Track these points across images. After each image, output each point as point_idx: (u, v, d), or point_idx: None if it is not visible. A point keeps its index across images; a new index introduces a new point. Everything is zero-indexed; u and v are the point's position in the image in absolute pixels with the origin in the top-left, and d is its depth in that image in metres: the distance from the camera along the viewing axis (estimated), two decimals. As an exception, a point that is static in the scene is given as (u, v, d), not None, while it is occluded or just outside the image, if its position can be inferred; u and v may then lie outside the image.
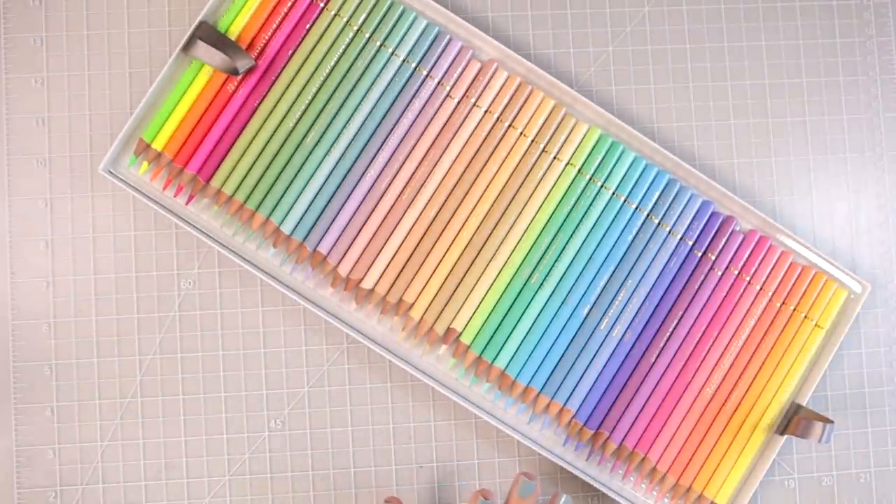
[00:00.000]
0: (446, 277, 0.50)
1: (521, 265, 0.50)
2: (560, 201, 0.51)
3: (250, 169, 0.50)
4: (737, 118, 0.54)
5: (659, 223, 0.51)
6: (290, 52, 0.50)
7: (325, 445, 0.51)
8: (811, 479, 0.53)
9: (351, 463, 0.51)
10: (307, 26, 0.50)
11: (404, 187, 0.50)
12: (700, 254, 0.51)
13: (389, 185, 0.50)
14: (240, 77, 0.50)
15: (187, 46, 0.49)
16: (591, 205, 0.51)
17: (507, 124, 0.51)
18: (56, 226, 0.51)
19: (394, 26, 0.51)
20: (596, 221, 0.51)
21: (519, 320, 0.50)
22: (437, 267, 0.50)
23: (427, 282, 0.50)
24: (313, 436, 0.51)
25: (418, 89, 0.51)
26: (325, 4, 0.51)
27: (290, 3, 0.50)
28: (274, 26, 0.50)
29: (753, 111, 0.54)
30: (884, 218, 0.54)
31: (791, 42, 0.55)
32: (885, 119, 0.55)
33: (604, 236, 0.51)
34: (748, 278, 0.51)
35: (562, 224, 0.50)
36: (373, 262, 0.50)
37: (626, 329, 0.50)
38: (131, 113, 0.50)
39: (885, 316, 0.54)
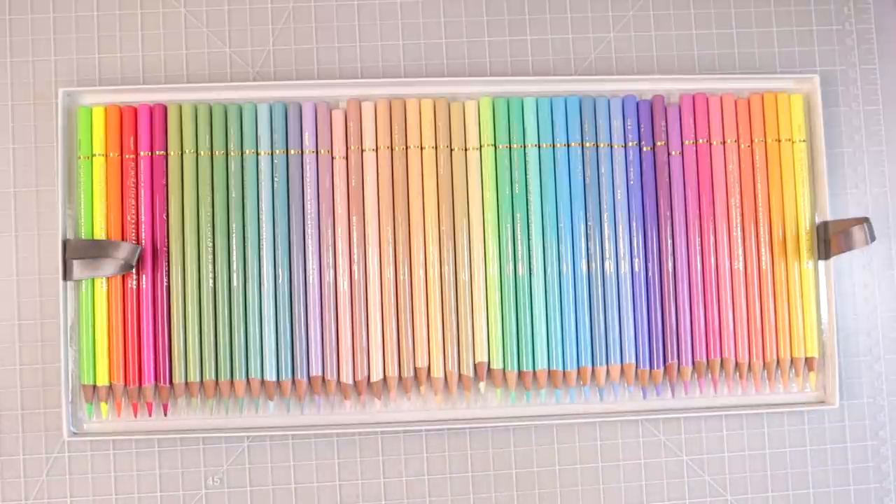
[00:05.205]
0: (443, 324, 0.47)
1: (501, 269, 0.47)
2: (496, 186, 0.47)
3: (201, 346, 0.46)
4: None
5: (596, 146, 0.48)
6: (163, 214, 0.46)
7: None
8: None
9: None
10: (163, 182, 0.46)
11: (350, 271, 0.47)
12: (650, 147, 0.48)
13: (335, 278, 0.47)
14: (134, 267, 0.46)
15: (67, 273, 0.45)
16: (525, 169, 0.47)
17: (403, 148, 0.47)
18: None
19: (241, 130, 0.47)
20: (540, 182, 0.47)
21: (532, 317, 0.47)
22: (427, 321, 0.47)
23: (428, 340, 0.47)
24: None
25: (302, 171, 0.47)
26: (166, 151, 0.47)
27: (133, 171, 0.46)
28: (133, 201, 0.46)
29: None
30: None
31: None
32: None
33: (556, 190, 0.47)
34: (706, 140, 0.48)
35: (511, 204, 0.47)
36: (368, 356, 0.47)
37: (632, 259, 0.47)
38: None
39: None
